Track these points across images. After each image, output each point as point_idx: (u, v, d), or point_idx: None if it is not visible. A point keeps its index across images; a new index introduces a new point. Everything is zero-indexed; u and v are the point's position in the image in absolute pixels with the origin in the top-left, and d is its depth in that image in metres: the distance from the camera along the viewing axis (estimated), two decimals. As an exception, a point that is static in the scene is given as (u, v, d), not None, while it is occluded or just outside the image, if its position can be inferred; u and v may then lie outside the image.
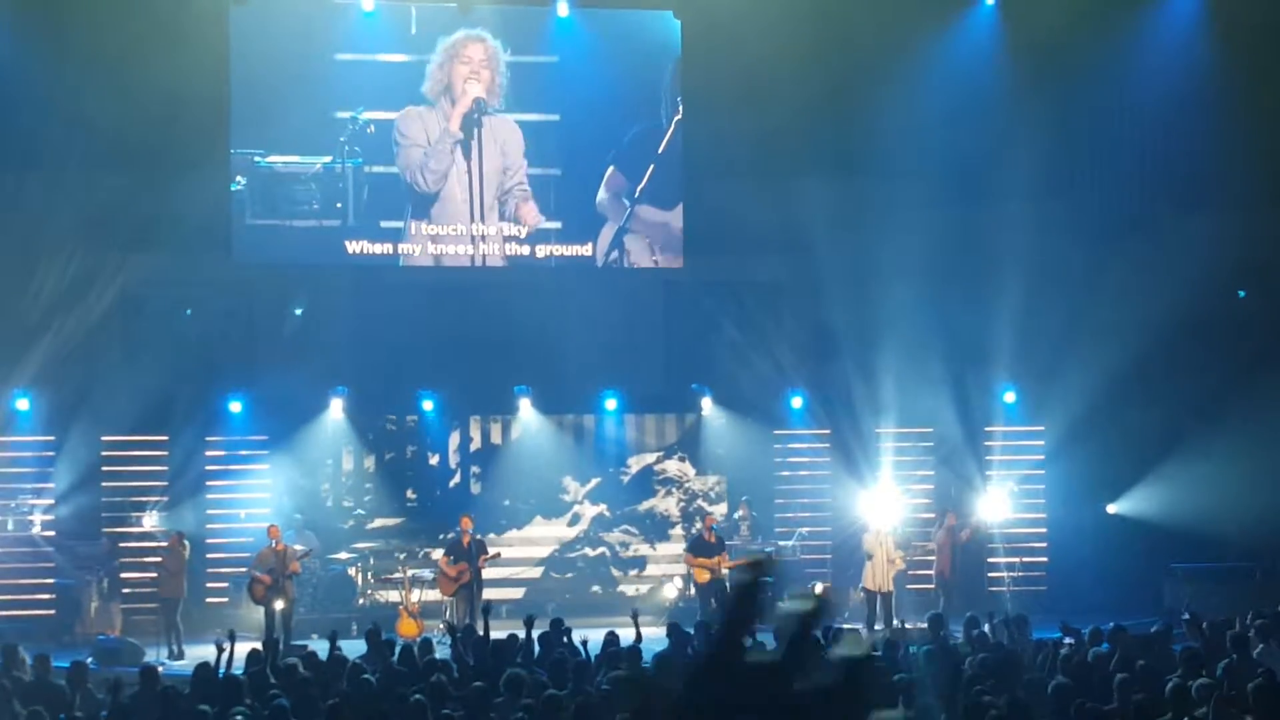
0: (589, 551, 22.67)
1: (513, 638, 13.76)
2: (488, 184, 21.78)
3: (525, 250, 21.84)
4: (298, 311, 21.96)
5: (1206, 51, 21.84)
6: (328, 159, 21.46)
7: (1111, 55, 21.85)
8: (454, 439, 22.43)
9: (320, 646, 14.42)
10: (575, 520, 22.74)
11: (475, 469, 22.43)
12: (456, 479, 22.40)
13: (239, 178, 21.25)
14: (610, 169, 22.02)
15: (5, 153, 20.47)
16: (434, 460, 22.38)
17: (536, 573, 22.36)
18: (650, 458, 22.98)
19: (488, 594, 18.93)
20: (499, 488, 22.31)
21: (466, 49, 21.67)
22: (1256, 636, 13.00)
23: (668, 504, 22.77)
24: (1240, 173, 21.65)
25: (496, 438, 22.51)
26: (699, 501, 22.73)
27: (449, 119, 21.66)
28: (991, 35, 22.26)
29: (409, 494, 22.16)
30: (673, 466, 22.96)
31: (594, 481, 22.72)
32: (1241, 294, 22.84)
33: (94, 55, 19.81)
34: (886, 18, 21.18)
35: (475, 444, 22.49)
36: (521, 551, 22.12)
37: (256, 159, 21.29)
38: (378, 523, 21.94)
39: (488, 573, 19.31)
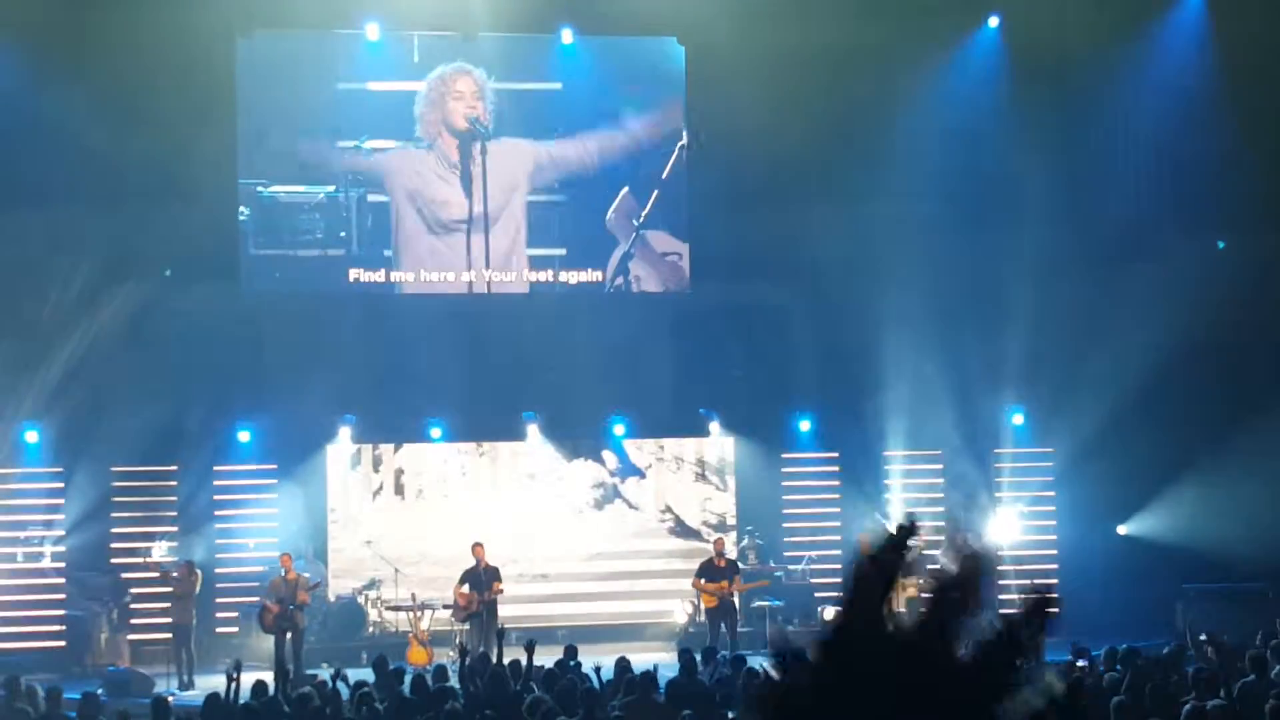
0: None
1: (516, 663, 13.69)
2: (491, 212, 21.81)
3: (532, 276, 21.83)
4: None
5: (1211, 71, 21.86)
6: (331, 188, 21.50)
7: (1116, 77, 21.90)
8: (462, 465, 22.35)
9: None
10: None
11: (483, 496, 22.30)
12: (465, 505, 22.24)
13: (243, 208, 21.29)
14: (618, 196, 22.05)
15: (14, 185, 20.51)
16: (442, 486, 22.30)
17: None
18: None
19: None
20: (511, 529, 21.69)
21: (456, 84, 21.70)
22: (1273, 657, 12.92)
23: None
24: (1247, 194, 21.64)
25: (504, 464, 22.40)
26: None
27: (449, 155, 21.67)
28: (996, 58, 22.31)
29: (417, 521, 22.07)
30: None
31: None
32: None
33: (102, 89, 19.91)
34: (891, 42, 21.23)
35: (483, 470, 22.40)
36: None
37: (259, 189, 21.33)
38: (386, 550, 21.83)
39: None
